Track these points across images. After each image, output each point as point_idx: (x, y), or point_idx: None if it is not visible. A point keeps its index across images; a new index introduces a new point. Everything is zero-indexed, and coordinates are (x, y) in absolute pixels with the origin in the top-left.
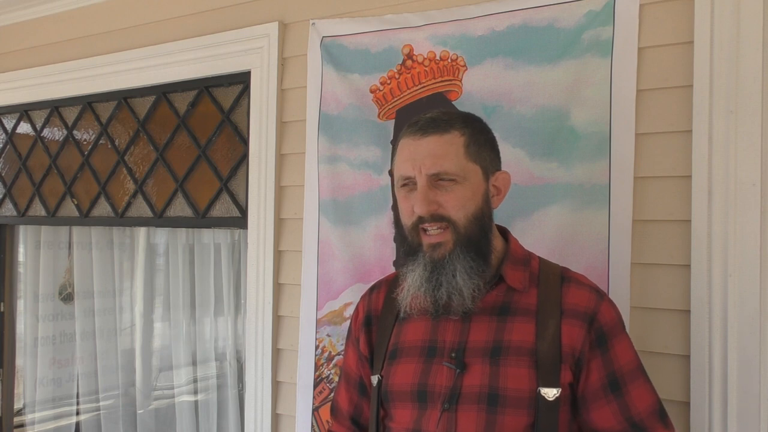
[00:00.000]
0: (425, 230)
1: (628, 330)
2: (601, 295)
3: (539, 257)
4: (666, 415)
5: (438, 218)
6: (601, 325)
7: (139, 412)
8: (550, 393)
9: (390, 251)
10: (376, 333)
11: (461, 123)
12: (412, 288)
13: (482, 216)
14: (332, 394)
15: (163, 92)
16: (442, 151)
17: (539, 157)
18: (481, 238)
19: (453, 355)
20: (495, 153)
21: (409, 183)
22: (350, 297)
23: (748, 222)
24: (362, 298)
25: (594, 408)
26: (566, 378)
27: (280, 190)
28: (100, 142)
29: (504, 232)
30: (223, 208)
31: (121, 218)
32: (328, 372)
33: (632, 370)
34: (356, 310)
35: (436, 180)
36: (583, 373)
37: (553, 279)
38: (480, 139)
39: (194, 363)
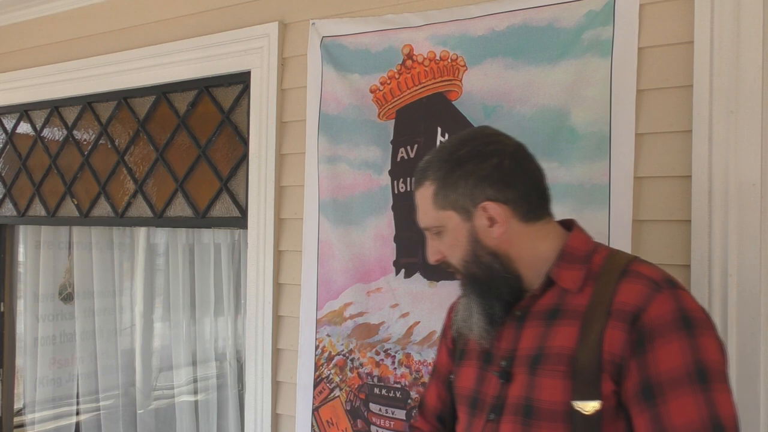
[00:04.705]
0: None
1: None
2: (658, 288)
3: (611, 251)
4: None
5: (446, 265)
6: (644, 323)
7: (139, 412)
8: (588, 406)
9: (390, 251)
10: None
11: (435, 168)
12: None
13: (476, 257)
14: (332, 394)
15: (163, 92)
16: (421, 205)
17: (539, 157)
18: (487, 277)
19: (503, 363)
20: (478, 182)
21: None
22: (350, 297)
23: (748, 222)
24: None
25: (633, 416)
26: (608, 388)
27: (280, 190)
28: (100, 142)
29: (569, 226)
30: (223, 208)
31: (121, 218)
32: (328, 372)
33: (676, 379)
34: (453, 303)
35: (431, 232)
36: (624, 379)
37: (613, 274)
38: (451, 180)
39: (194, 363)
